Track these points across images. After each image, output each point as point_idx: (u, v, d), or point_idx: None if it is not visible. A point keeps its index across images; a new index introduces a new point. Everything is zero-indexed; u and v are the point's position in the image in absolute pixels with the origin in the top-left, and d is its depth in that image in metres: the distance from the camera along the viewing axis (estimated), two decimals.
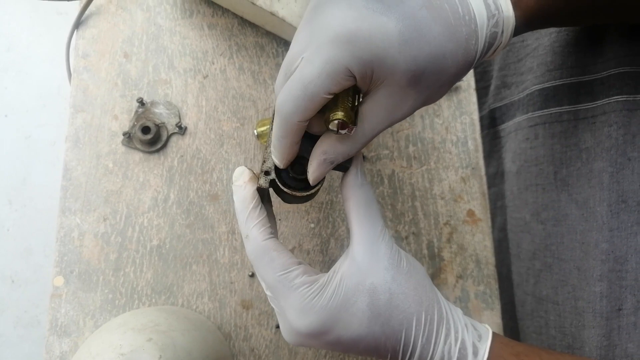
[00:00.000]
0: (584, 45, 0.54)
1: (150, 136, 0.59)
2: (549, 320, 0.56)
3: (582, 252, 0.53)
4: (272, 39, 0.64)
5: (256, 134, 0.59)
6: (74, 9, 0.64)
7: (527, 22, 0.39)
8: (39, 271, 1.52)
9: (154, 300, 0.57)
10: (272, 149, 0.39)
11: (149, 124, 0.59)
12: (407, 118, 0.62)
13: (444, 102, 0.63)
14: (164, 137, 0.60)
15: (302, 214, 0.60)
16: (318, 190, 0.40)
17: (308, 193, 0.40)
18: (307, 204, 0.60)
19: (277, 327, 0.57)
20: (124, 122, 0.61)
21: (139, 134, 0.59)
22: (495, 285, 0.58)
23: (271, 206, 0.44)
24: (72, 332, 0.56)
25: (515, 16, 0.38)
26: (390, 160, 0.61)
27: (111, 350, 0.44)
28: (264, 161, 0.40)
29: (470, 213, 0.60)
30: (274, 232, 0.40)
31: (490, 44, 0.37)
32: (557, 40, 0.56)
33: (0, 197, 1.54)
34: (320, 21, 0.34)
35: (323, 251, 0.59)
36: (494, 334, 0.39)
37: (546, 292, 0.56)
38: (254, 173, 0.41)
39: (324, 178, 0.40)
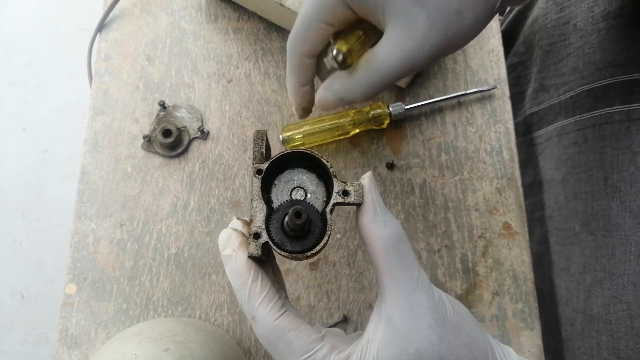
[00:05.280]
0: (635, 40, 0.51)
1: (171, 140, 0.57)
2: (600, 341, 0.51)
3: (638, 265, 0.48)
4: None
5: (282, 139, 0.57)
6: (95, 24, 0.62)
7: None
8: (49, 287, 1.50)
9: (170, 312, 0.54)
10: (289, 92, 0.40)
11: (171, 127, 0.57)
12: (439, 126, 0.59)
13: (477, 110, 0.60)
14: (185, 141, 0.58)
15: None
16: (323, 247, 0.32)
17: (310, 253, 0.32)
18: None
19: None
20: (145, 125, 0.59)
21: (160, 137, 0.57)
22: (534, 304, 0.54)
23: (274, 258, 0.37)
24: (82, 343, 0.53)
25: None
26: (422, 169, 0.58)
27: None
28: (251, 219, 0.32)
29: (507, 226, 0.57)
30: (283, 300, 0.33)
31: None
32: (607, 37, 0.53)
33: (14, 210, 1.53)
34: None
35: (350, 263, 0.56)
36: None
37: (597, 309, 0.52)
38: (243, 235, 0.33)
39: (329, 234, 0.32)
